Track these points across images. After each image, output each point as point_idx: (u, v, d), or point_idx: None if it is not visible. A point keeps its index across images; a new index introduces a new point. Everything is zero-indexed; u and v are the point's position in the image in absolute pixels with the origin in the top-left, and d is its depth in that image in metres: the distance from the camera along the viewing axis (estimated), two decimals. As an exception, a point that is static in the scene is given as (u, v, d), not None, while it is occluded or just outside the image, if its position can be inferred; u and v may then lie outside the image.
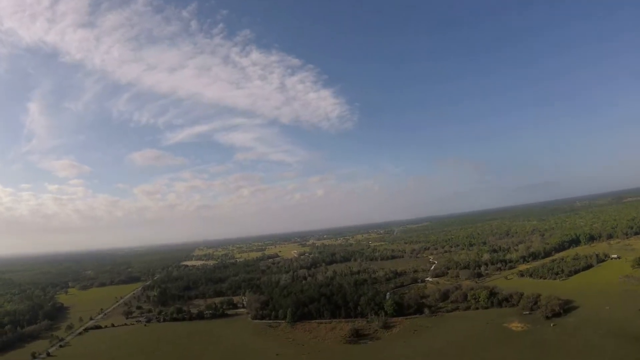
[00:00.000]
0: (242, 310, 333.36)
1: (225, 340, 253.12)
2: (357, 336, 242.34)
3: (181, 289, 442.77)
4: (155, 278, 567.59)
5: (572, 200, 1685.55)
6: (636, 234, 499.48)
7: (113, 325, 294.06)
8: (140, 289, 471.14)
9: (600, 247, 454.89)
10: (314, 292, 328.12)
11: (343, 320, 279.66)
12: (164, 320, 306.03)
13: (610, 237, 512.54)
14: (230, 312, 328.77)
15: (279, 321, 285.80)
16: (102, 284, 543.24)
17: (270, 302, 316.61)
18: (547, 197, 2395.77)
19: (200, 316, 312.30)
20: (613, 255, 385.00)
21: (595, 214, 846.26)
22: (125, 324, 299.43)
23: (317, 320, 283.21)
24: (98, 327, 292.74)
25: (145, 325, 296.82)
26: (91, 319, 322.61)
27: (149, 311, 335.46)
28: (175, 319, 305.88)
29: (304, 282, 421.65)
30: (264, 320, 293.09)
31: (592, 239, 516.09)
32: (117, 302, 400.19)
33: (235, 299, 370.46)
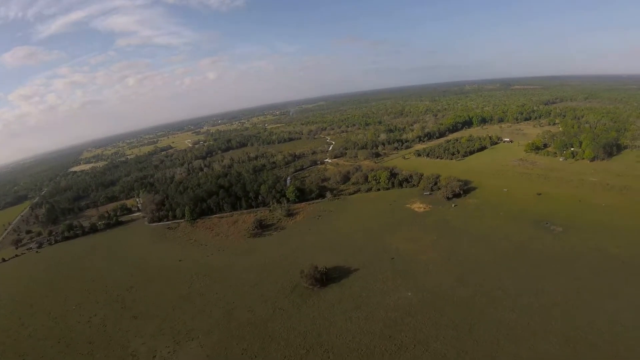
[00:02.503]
0: (137, 214, 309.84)
1: (123, 253, 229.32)
2: (261, 227, 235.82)
3: (71, 200, 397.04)
4: (42, 193, 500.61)
5: (462, 84, 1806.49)
6: (526, 119, 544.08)
7: (4, 260, 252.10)
8: (28, 208, 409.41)
9: (492, 129, 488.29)
10: (211, 185, 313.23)
11: (245, 211, 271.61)
12: (56, 242, 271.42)
13: (501, 120, 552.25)
14: (125, 218, 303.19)
15: (178, 221, 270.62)
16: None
17: (166, 202, 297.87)
18: (438, 79, 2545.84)
19: (93, 229, 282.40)
20: (505, 139, 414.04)
21: (485, 98, 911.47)
22: (17, 255, 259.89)
23: (217, 215, 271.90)
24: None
25: (37, 252, 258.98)
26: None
27: (39, 234, 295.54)
28: (67, 238, 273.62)
29: (200, 174, 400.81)
30: (161, 223, 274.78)
31: (483, 121, 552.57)
32: (6, 229, 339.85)
33: (129, 202, 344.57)
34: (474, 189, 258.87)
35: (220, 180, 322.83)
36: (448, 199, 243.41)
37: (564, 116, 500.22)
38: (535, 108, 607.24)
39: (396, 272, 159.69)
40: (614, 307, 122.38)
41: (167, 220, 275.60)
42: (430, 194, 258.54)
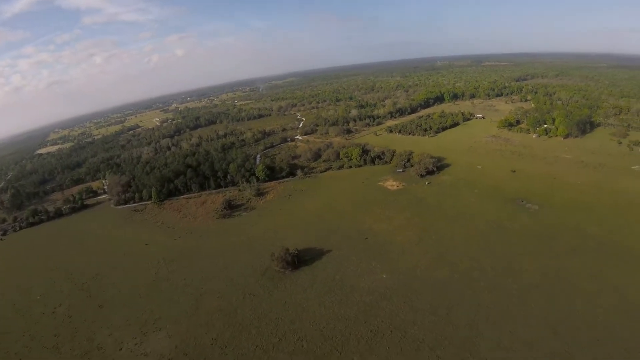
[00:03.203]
0: (103, 196, 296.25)
1: (88, 239, 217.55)
2: (230, 208, 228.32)
3: (36, 184, 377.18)
4: (8, 177, 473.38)
5: (433, 60, 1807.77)
6: (498, 95, 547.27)
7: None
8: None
9: (464, 105, 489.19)
10: (178, 164, 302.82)
11: (213, 191, 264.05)
12: (21, 228, 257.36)
13: (472, 97, 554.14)
14: (91, 201, 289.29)
15: (145, 203, 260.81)
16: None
17: (132, 183, 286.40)
18: (409, 55, 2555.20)
19: (59, 214, 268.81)
20: (478, 115, 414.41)
21: (456, 74, 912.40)
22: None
23: (185, 196, 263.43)
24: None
25: (1, 239, 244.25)
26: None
27: (4, 220, 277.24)
28: (32, 224, 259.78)
29: (167, 153, 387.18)
30: (128, 205, 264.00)
31: (455, 97, 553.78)
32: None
33: (95, 184, 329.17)
34: (447, 166, 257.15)
35: (188, 160, 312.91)
36: (421, 176, 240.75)
37: (536, 93, 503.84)
38: (506, 84, 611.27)
39: (370, 253, 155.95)
40: (593, 288, 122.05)
41: (134, 202, 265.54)
42: (403, 171, 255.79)
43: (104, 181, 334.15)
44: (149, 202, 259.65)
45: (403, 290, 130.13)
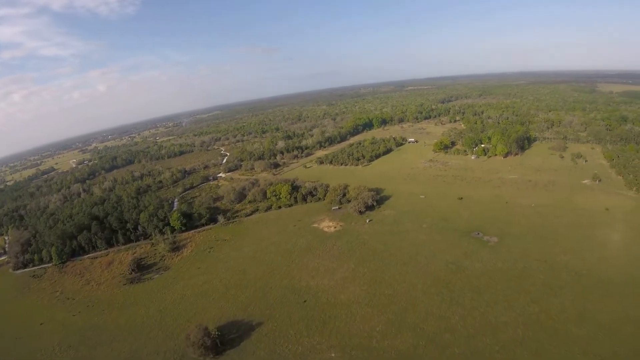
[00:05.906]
0: (3, 258, 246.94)
1: None
2: (140, 270, 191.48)
3: None
4: None
5: (357, 87, 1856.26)
6: (426, 118, 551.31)
7: None
8: None
9: (394, 130, 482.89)
10: (84, 216, 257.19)
11: (123, 247, 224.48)
12: None
13: (401, 121, 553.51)
14: None
15: (45, 266, 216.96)
16: None
17: (33, 240, 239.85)
18: (333, 85, 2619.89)
19: None
20: (410, 139, 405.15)
21: (382, 100, 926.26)
22: None
23: (90, 255, 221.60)
24: None
25: None
26: None
27: None
28: None
29: (75, 201, 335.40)
30: (28, 269, 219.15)
31: (384, 122, 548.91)
32: None
33: None
34: (387, 198, 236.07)
35: (95, 210, 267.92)
36: (360, 212, 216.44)
37: (464, 113, 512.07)
38: (433, 107, 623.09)
39: (311, 323, 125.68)
40: (584, 334, 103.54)
41: (33, 265, 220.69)
42: (339, 208, 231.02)
43: (5, 238, 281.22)
44: (50, 264, 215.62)
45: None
